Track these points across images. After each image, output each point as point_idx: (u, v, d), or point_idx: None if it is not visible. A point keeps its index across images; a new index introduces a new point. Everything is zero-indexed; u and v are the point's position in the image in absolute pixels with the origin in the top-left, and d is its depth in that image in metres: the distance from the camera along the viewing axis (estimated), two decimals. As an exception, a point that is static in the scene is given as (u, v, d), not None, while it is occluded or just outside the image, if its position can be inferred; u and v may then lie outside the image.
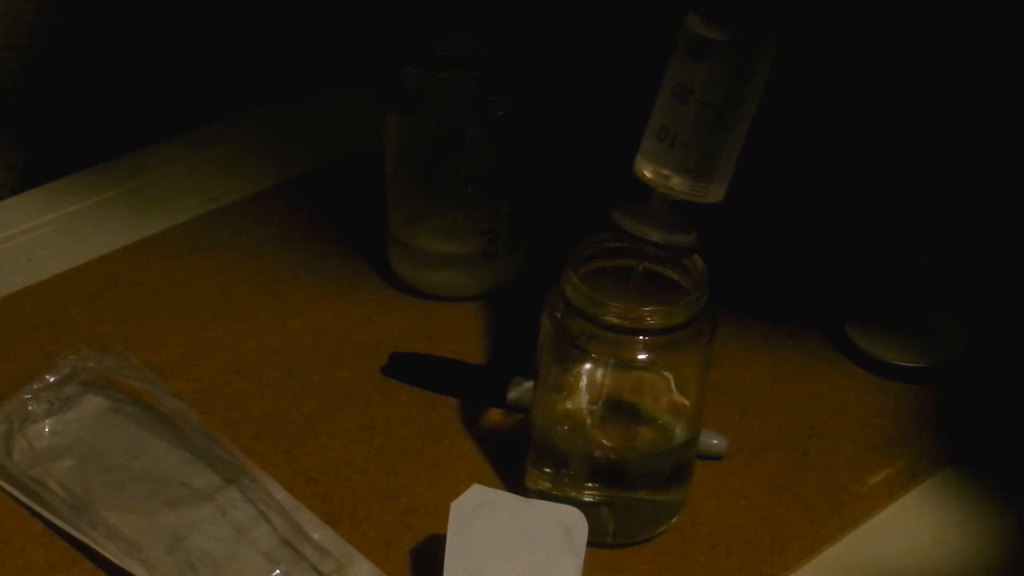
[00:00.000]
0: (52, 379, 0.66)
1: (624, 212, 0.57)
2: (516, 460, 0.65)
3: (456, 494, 0.58)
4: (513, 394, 0.68)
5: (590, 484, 0.62)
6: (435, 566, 0.57)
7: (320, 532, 0.61)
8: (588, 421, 0.61)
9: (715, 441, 0.66)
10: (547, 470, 0.63)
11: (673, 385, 0.61)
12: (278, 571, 0.58)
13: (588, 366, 0.61)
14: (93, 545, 0.60)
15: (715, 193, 0.56)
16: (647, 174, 0.56)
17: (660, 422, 0.62)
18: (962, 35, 0.76)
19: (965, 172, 0.77)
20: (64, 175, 0.86)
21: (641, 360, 0.58)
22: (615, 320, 0.57)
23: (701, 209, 0.56)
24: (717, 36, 0.54)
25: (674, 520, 0.63)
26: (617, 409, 0.61)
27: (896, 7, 0.78)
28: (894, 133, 0.80)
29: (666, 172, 0.56)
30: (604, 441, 0.61)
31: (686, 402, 0.61)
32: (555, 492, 0.62)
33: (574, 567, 0.56)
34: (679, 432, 0.61)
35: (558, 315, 0.58)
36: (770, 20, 0.54)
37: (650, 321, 0.57)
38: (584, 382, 0.61)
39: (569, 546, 0.57)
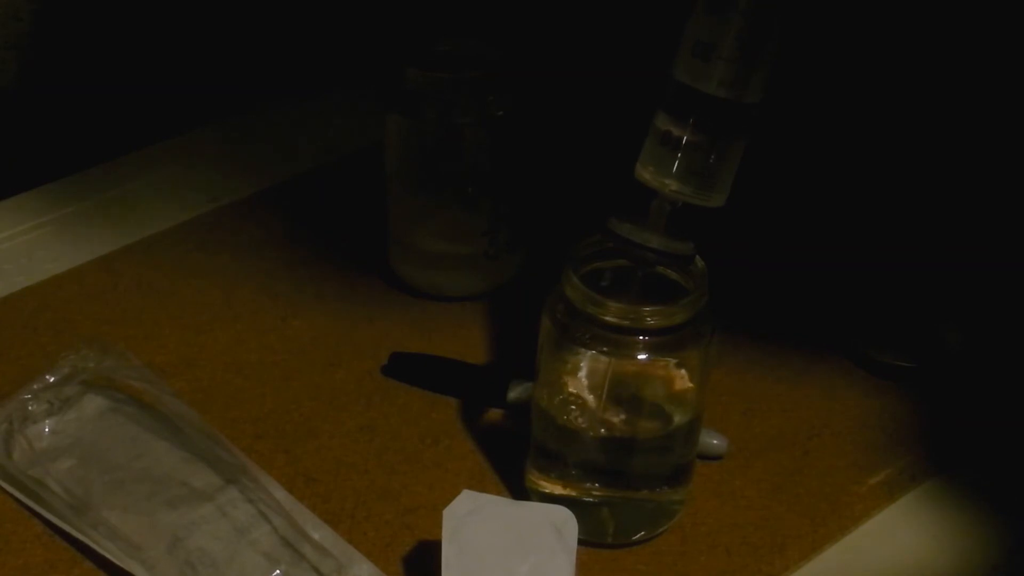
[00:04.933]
0: (52, 379, 0.66)
1: (622, 221, 0.57)
2: (516, 460, 0.65)
3: (456, 494, 0.58)
4: (513, 394, 0.68)
5: (590, 484, 0.62)
6: (434, 566, 0.57)
7: (320, 532, 0.61)
8: (591, 419, 0.61)
9: (715, 441, 0.66)
10: (547, 470, 0.63)
11: (675, 374, 0.61)
12: (278, 571, 0.58)
13: (588, 366, 0.61)
14: (93, 545, 0.60)
15: (718, 198, 0.56)
16: (649, 178, 0.56)
17: (661, 413, 0.62)
18: (963, 36, 0.76)
19: (965, 176, 0.77)
20: (64, 175, 0.86)
21: (641, 360, 0.58)
22: (615, 320, 0.57)
23: (701, 212, 0.56)
24: (687, 137, 0.54)
25: (674, 520, 0.63)
26: (619, 403, 0.61)
27: (897, 8, 0.78)
28: (895, 136, 0.80)
29: (668, 180, 0.55)
30: (607, 436, 0.61)
31: (690, 384, 0.61)
32: (555, 492, 0.62)
33: (567, 565, 0.56)
34: (679, 421, 0.61)
35: (558, 315, 0.58)
36: (735, 126, 0.55)
37: (650, 321, 0.57)
38: (585, 381, 0.61)
39: (561, 545, 0.57)
